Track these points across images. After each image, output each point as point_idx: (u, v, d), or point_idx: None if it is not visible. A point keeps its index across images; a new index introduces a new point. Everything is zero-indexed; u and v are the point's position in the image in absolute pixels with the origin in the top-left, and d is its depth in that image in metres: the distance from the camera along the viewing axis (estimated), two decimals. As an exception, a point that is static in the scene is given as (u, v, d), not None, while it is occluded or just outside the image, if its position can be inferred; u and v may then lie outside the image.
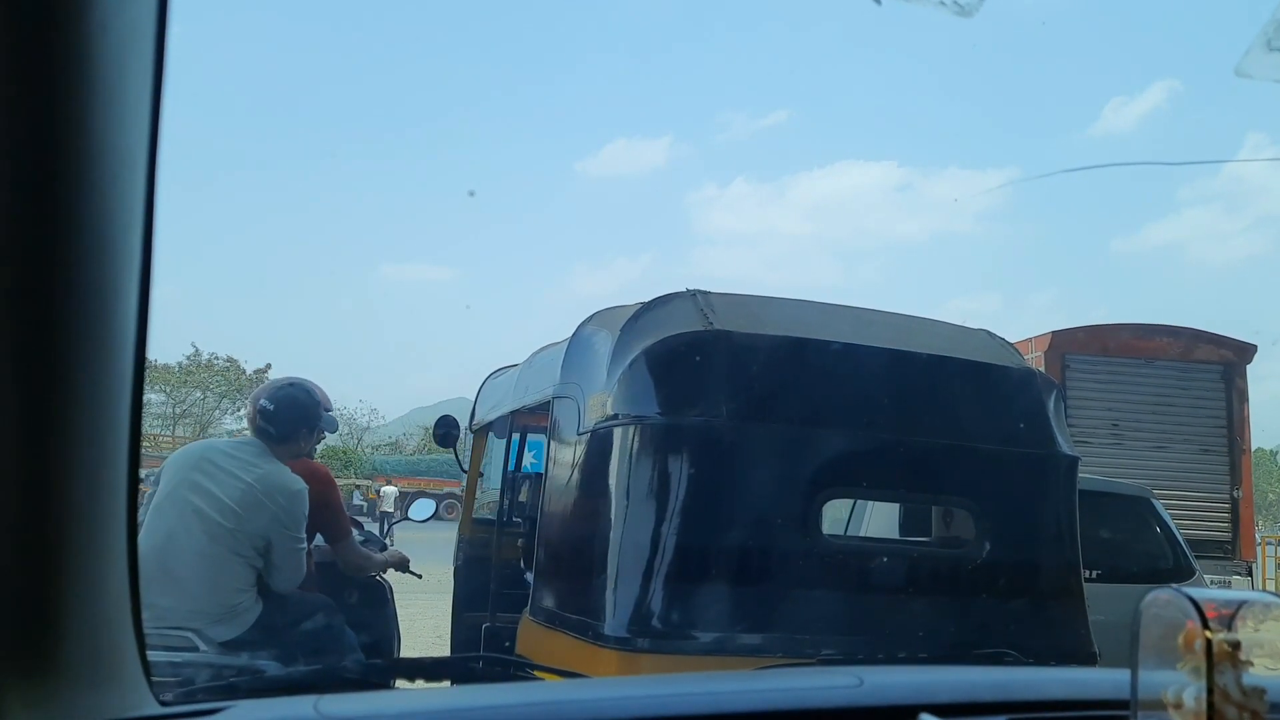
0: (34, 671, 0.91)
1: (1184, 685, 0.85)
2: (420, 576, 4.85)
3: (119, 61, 0.83)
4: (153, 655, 1.10)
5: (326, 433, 3.94)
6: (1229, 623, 0.85)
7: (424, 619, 9.24)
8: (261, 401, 3.61)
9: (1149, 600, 0.89)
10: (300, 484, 3.49)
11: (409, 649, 6.79)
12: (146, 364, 0.99)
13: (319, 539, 4.02)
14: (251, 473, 3.38)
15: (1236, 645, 0.84)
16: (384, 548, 4.61)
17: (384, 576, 4.57)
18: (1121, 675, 0.91)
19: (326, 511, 3.97)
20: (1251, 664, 0.85)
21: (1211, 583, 7.93)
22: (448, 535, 5.76)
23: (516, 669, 2.33)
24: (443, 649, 6.40)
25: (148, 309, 0.93)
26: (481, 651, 4.06)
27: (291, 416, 3.56)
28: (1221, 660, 0.83)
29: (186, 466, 3.32)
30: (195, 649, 3.09)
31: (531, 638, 3.24)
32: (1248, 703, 0.83)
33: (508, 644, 3.63)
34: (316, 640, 3.60)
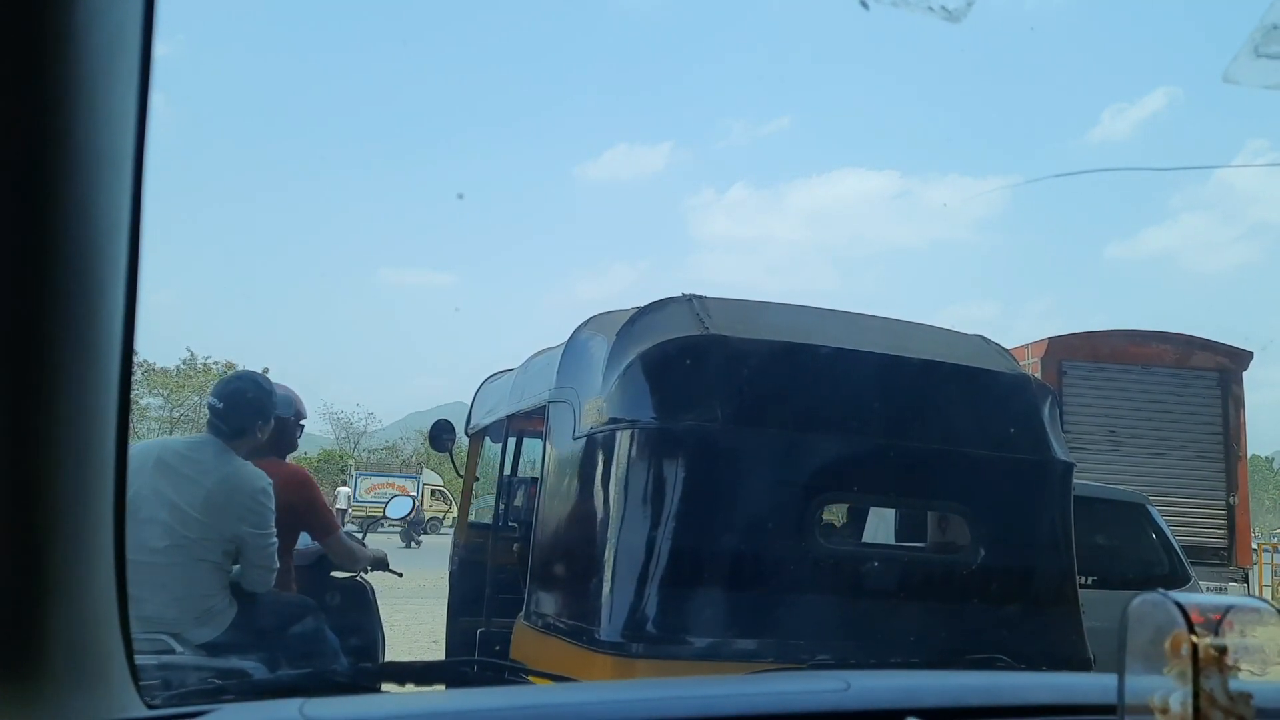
0: (21, 674, 0.91)
1: (1170, 690, 0.85)
2: (401, 575, 4.87)
3: (104, 64, 0.82)
4: (138, 659, 1.10)
5: (283, 415, 3.94)
6: (1216, 628, 0.85)
7: (420, 624, 9.23)
8: (210, 400, 3.59)
9: (1136, 605, 0.89)
10: (264, 480, 3.47)
11: (406, 654, 6.80)
12: (135, 366, 0.99)
13: (301, 542, 4.02)
14: (212, 477, 3.34)
15: (1223, 650, 0.84)
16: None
17: (365, 577, 4.58)
18: (1109, 680, 0.91)
19: (311, 511, 3.97)
20: (1238, 669, 0.85)
21: (1207, 589, 7.93)
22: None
23: (509, 674, 2.32)
24: (439, 655, 6.40)
25: (135, 311, 0.93)
26: (476, 656, 4.05)
27: (242, 411, 3.53)
28: (1208, 665, 0.83)
29: (144, 470, 3.27)
30: (172, 651, 3.07)
31: (526, 643, 3.23)
32: (1234, 708, 0.83)
33: (498, 648, 3.63)
34: (298, 642, 3.59)
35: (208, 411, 3.57)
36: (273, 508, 3.46)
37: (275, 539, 3.47)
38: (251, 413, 3.55)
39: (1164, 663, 0.85)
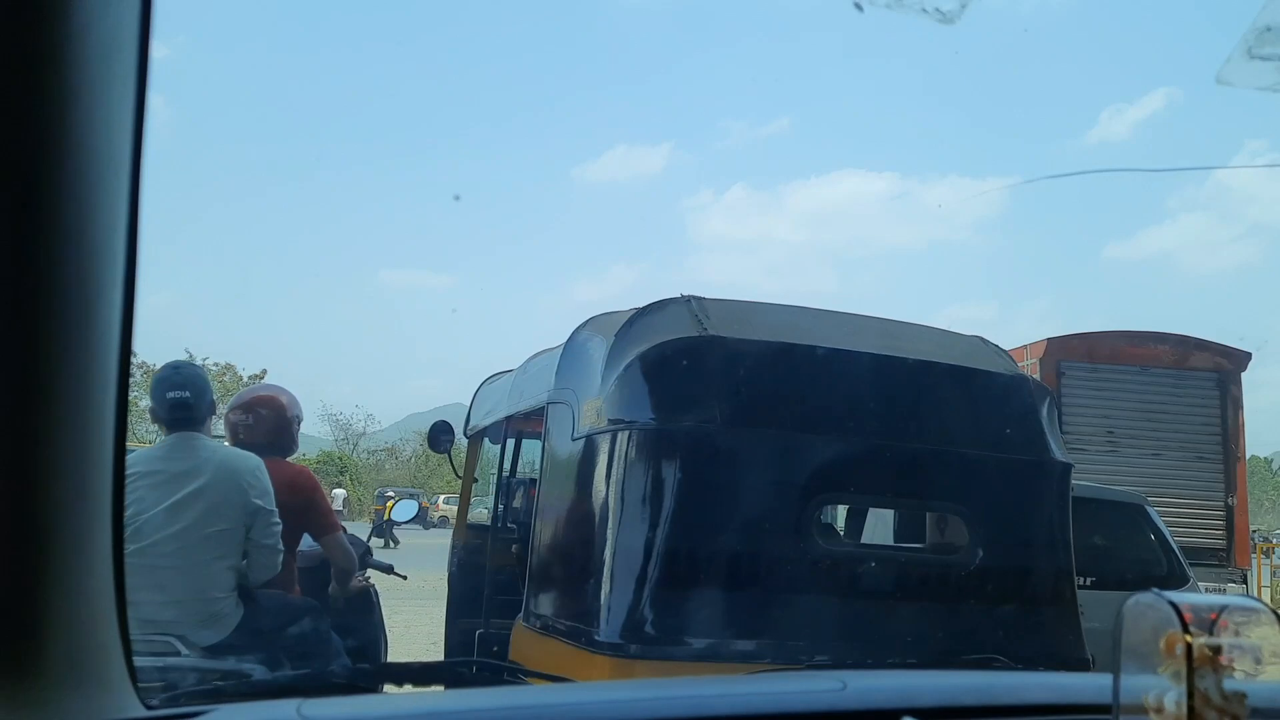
0: (19, 674, 0.91)
1: (1165, 689, 0.85)
2: (405, 578, 4.87)
3: (101, 65, 0.83)
4: (138, 660, 1.10)
5: (290, 416, 3.97)
6: (1210, 627, 0.85)
7: (419, 626, 9.23)
8: (174, 394, 3.40)
9: (1131, 604, 0.89)
10: (257, 458, 3.44)
11: (405, 656, 6.79)
12: (134, 367, 1.00)
13: (305, 543, 4.01)
14: (209, 466, 3.31)
15: (1217, 649, 0.84)
16: (367, 551, 4.61)
17: (369, 579, 4.57)
18: (1104, 679, 0.91)
19: (313, 510, 3.95)
20: (1233, 668, 0.85)
21: (1206, 590, 7.94)
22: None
23: (508, 675, 2.33)
24: (438, 656, 6.40)
25: (133, 309, 0.93)
26: (475, 657, 4.05)
27: (206, 393, 3.47)
28: (1202, 664, 0.84)
29: (136, 483, 3.21)
30: (177, 653, 3.06)
31: (525, 644, 3.24)
32: (1228, 707, 0.83)
33: (497, 650, 3.63)
34: (302, 644, 3.57)
35: (172, 409, 3.41)
36: (269, 483, 3.45)
37: (279, 521, 3.45)
38: (210, 395, 3.50)
39: (1159, 662, 0.86)
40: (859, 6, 0.98)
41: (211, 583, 3.29)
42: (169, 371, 3.59)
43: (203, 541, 3.25)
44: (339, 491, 35.34)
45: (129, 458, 3.62)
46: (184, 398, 3.39)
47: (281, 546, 3.49)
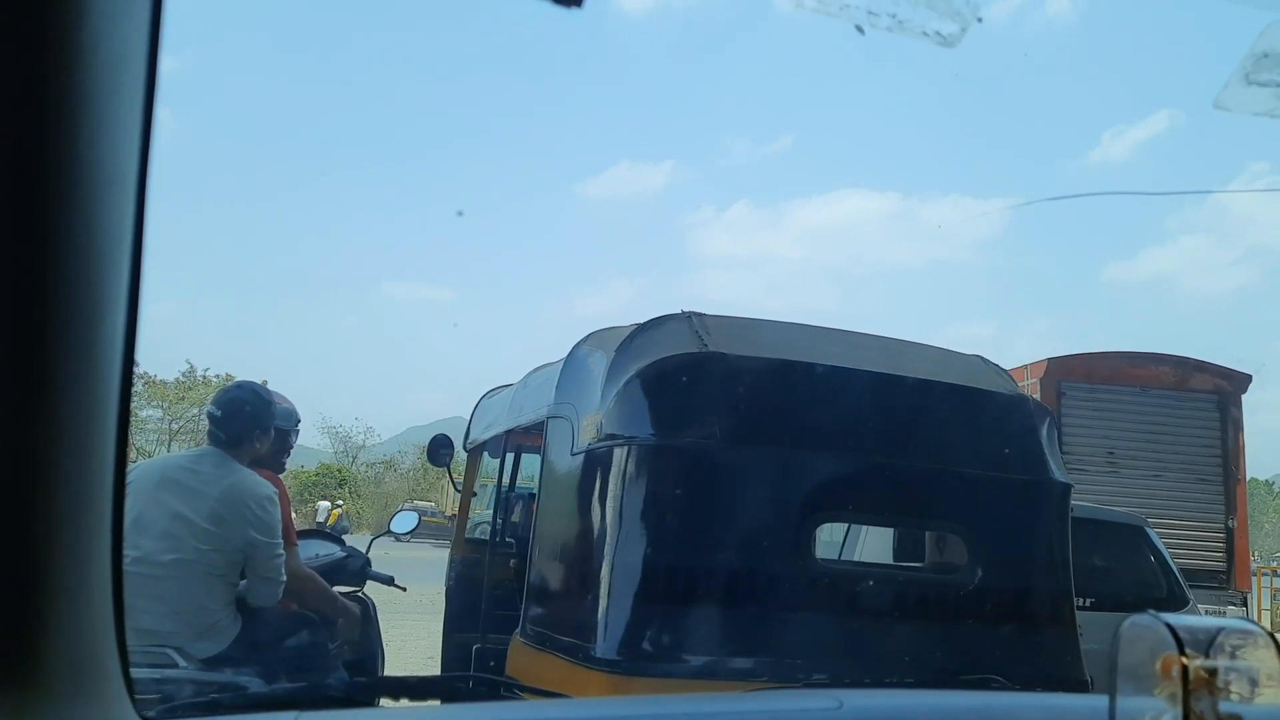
0: (16, 685, 0.91)
1: (1161, 711, 0.85)
2: (405, 589, 4.86)
3: (110, 79, 0.84)
4: (135, 672, 1.10)
5: (285, 428, 3.89)
6: (1206, 649, 0.86)
7: (415, 640, 9.19)
8: (209, 408, 3.55)
9: (1127, 626, 0.89)
10: (270, 488, 3.44)
11: (402, 670, 6.78)
12: (136, 377, 1.00)
13: (302, 555, 3.99)
14: (218, 486, 3.32)
15: (1213, 672, 0.85)
16: (367, 563, 4.58)
17: (366, 592, 4.55)
18: (1101, 701, 0.91)
19: None
20: (1228, 691, 0.85)
21: (1205, 613, 7.91)
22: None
23: (504, 690, 2.32)
24: (435, 671, 6.38)
25: (136, 321, 0.94)
26: (471, 672, 4.04)
27: (240, 419, 3.49)
28: (1198, 687, 0.84)
29: (148, 488, 3.24)
30: (175, 665, 3.05)
31: (521, 659, 3.22)
32: (1224, 729, 0.84)
33: (493, 664, 3.61)
34: (300, 657, 3.56)
35: (207, 421, 3.54)
36: (279, 517, 3.44)
37: (283, 552, 3.45)
38: (249, 422, 3.51)
39: (1155, 684, 0.86)
40: (860, 29, 0.99)
41: (208, 595, 3.28)
42: (225, 387, 3.77)
43: (202, 555, 3.25)
44: (322, 504, 35.40)
45: (153, 460, 3.66)
46: (215, 415, 3.49)
47: (283, 578, 3.47)
